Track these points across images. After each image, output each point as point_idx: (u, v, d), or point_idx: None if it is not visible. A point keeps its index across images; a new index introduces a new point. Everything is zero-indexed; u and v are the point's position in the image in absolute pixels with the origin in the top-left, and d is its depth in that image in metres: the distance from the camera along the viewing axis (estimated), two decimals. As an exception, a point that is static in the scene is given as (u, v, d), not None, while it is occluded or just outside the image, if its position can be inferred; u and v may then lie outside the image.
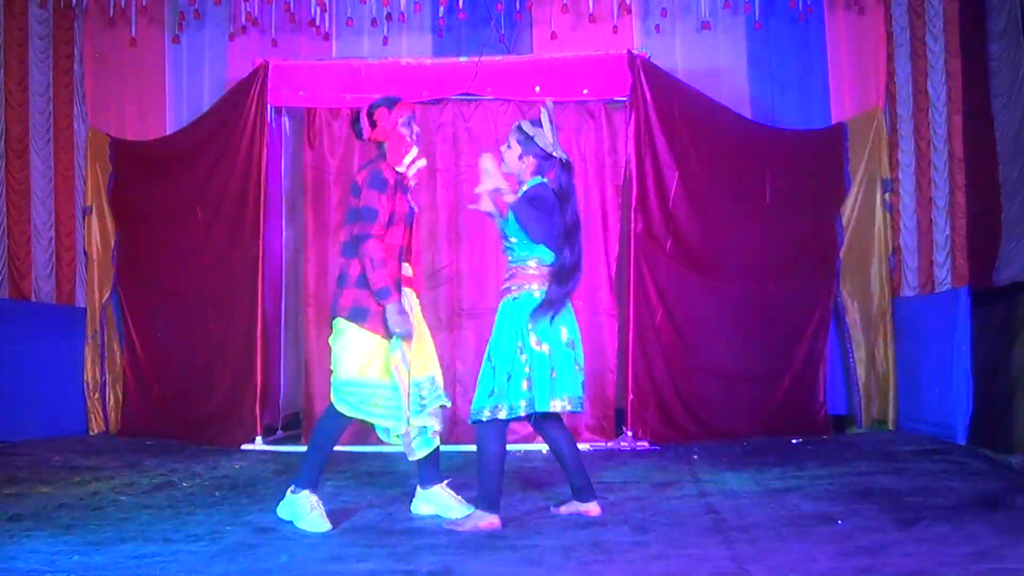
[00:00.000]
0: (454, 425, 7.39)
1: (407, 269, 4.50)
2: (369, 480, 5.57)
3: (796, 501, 4.62)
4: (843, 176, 7.53)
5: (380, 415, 4.38)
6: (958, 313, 6.50)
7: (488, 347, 4.33)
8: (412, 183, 4.53)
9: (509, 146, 4.38)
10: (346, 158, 7.53)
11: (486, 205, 4.30)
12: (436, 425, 4.47)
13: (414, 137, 4.52)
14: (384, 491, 5.16)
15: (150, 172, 7.92)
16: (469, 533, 4.09)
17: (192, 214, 7.59)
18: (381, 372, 4.35)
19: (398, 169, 4.45)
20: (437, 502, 4.54)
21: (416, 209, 4.58)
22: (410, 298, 4.49)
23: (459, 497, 4.54)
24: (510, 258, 4.35)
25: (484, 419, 4.22)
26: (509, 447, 4.74)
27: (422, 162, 4.52)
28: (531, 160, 4.34)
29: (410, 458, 4.50)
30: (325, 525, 4.23)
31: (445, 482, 4.59)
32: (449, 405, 4.62)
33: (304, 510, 4.28)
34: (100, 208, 8.02)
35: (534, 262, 4.28)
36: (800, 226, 7.47)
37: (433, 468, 4.56)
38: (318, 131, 7.44)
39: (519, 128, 4.39)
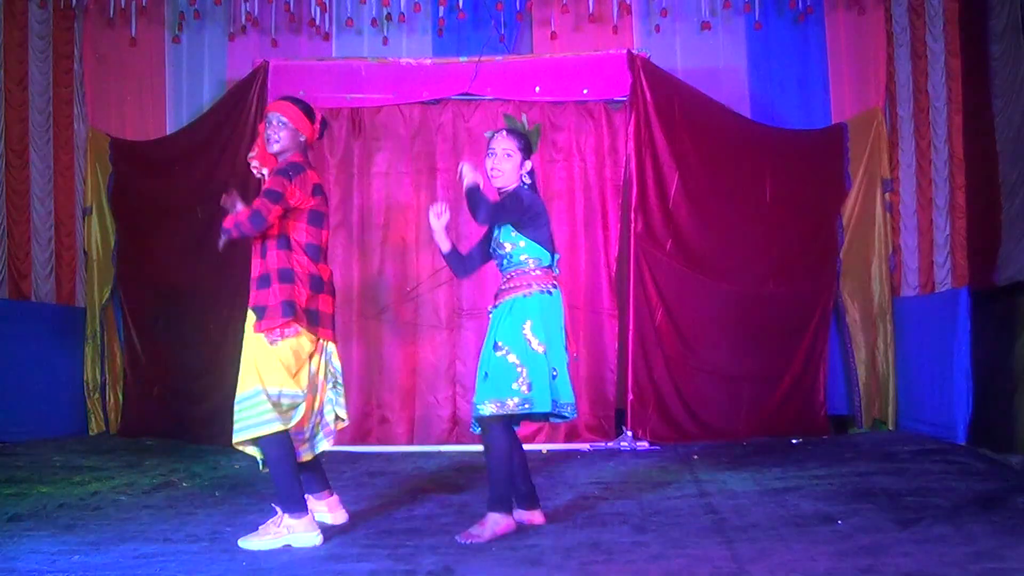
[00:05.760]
0: (455, 425, 7.40)
1: None
2: (369, 480, 5.57)
3: (796, 501, 4.62)
4: (843, 176, 7.54)
5: None
6: (958, 313, 6.51)
7: (496, 338, 4.09)
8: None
9: (510, 154, 4.21)
10: (346, 158, 7.53)
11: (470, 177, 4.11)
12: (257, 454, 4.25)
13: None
14: (384, 491, 5.17)
15: (150, 172, 7.92)
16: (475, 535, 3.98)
17: (192, 214, 7.58)
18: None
19: None
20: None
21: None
22: None
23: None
24: (505, 265, 4.23)
25: (490, 413, 4.02)
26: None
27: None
28: (528, 165, 4.28)
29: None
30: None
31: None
32: (311, 459, 4.23)
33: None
34: (100, 208, 8.03)
35: (533, 263, 4.19)
36: (800, 226, 7.47)
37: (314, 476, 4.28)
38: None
39: (517, 134, 4.28)
